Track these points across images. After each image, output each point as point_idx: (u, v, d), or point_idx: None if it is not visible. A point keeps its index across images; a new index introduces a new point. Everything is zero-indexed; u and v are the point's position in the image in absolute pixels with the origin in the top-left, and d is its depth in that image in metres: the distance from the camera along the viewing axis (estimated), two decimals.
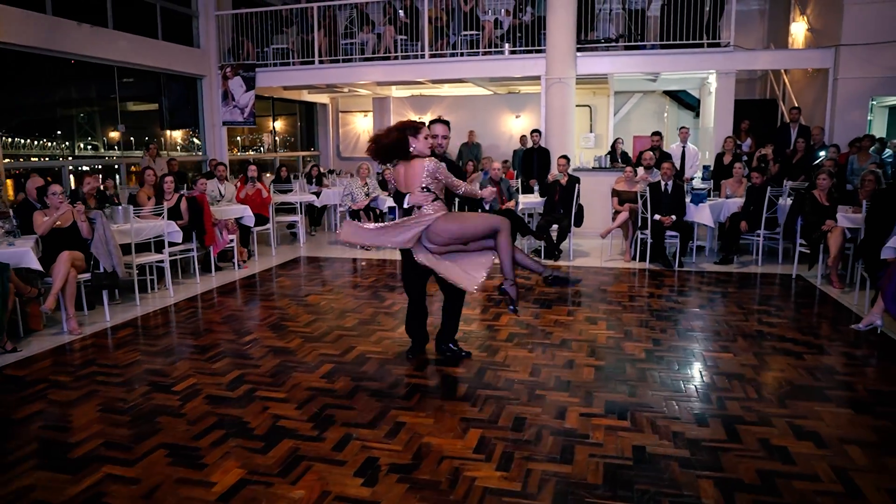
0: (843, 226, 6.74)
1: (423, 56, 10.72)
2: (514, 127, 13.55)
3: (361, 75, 11.13)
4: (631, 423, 3.53)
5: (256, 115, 11.88)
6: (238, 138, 14.21)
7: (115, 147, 10.59)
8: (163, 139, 11.35)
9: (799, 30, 11.18)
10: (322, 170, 12.88)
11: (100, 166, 10.29)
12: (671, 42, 10.00)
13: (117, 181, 10.12)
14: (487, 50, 10.62)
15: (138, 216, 6.67)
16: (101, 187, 7.10)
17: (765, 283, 7.11)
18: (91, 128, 10.31)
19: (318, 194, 10.43)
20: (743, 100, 12.79)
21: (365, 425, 3.52)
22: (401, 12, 10.89)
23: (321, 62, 11.16)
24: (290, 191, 9.83)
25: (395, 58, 10.92)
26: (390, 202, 9.03)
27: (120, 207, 6.29)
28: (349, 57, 11.25)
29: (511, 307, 4.10)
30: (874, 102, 12.17)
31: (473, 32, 10.66)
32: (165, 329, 5.49)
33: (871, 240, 5.78)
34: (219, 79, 11.44)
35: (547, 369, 4.37)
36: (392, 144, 3.99)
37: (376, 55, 11.04)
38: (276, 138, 14.13)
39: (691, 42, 9.91)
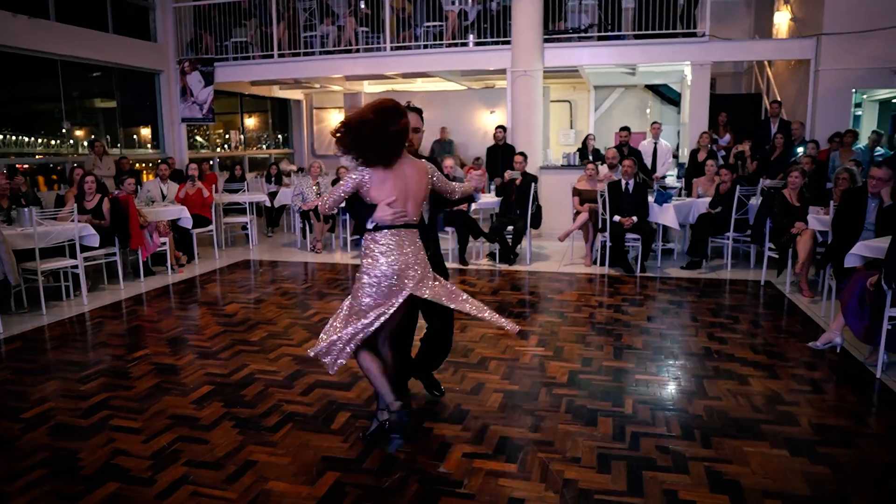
0: (815, 228, 6.21)
1: (384, 48, 10.22)
2: (489, 123, 13.02)
3: (323, 69, 10.65)
4: (519, 467, 3.04)
5: (221, 112, 11.43)
6: (197, 137, 13.78)
7: (68, 145, 10.16)
8: (121, 137, 10.90)
9: (783, 19, 10.59)
10: (293, 167, 12.43)
11: (53, 165, 9.86)
12: (646, 32, 9.47)
13: (54, 180, 9.71)
14: (452, 42, 10.11)
15: (54, 217, 6.25)
16: (17, 187, 6.66)
17: (729, 292, 6.58)
18: (46, 126, 9.87)
19: (275, 194, 9.97)
20: (728, 94, 12.24)
21: (210, 465, 3.05)
22: (362, 3, 10.39)
23: (281, 55, 10.68)
24: (240, 190, 9.36)
25: (357, 51, 10.44)
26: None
27: (26, 209, 5.84)
28: (310, 50, 10.77)
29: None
30: (865, 97, 11.61)
31: (437, 24, 10.15)
32: (57, 343, 5.04)
33: (837, 244, 5.25)
34: (177, 74, 10.98)
35: (449, 395, 3.88)
36: (398, 135, 2.90)
37: (337, 48, 10.56)
38: (243, 136, 13.66)
39: (665, 32, 9.37)
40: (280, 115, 14.76)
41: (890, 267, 3.92)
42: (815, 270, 6.51)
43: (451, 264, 7.79)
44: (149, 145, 11.48)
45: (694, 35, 9.41)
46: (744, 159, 8.92)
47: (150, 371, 4.32)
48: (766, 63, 10.80)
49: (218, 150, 13.29)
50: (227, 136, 13.69)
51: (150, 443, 3.28)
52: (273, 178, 10.44)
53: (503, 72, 10.07)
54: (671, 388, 3.99)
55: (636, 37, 9.61)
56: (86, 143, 10.11)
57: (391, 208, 2.91)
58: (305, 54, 10.70)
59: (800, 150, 8.42)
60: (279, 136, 14.87)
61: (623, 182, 7.49)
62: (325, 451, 3.19)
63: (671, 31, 9.37)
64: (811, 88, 9.09)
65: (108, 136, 10.55)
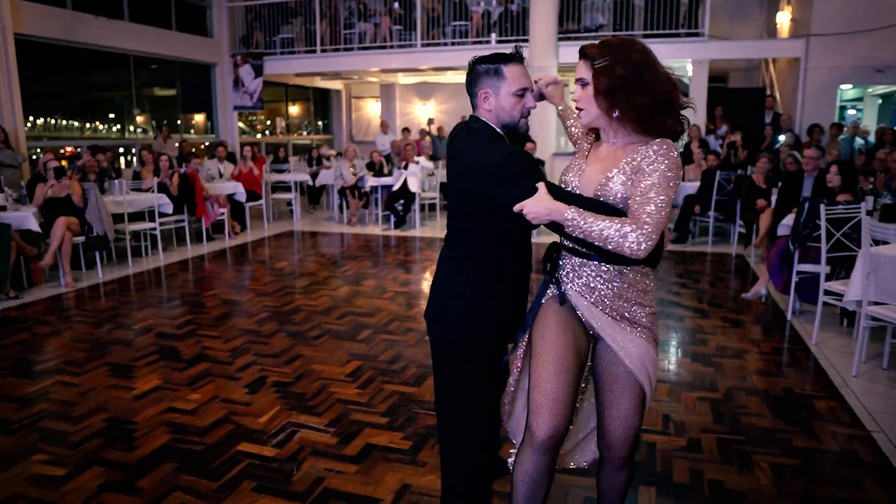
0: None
1: (415, 45, 11.40)
2: None
3: (361, 63, 11.90)
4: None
5: (268, 101, 12.77)
6: (255, 124, 15.18)
7: (138, 130, 11.63)
8: (180, 123, 12.35)
9: (785, 19, 11.43)
10: (332, 152, 13.73)
11: (122, 147, 11.35)
12: (653, 32, 10.44)
13: (127, 159, 11.18)
14: (476, 39, 11.23)
15: (139, 189, 7.63)
16: (99, 162, 8.04)
17: (704, 261, 7.62)
18: (117, 112, 11.36)
19: (316, 174, 11.27)
20: (738, 87, 13.07)
21: (271, 356, 4.32)
22: (395, 4, 11.58)
23: (323, 50, 11.96)
24: (286, 170, 10.68)
25: (391, 47, 11.65)
26: (372, 181, 9.81)
27: (116, 181, 7.21)
28: (349, 46, 12.02)
29: None
30: (869, 91, 12.34)
31: (463, 22, 11.28)
32: (145, 286, 6.40)
33: (777, 217, 6.26)
34: (230, 66, 12.36)
35: None
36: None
37: (373, 44, 11.78)
38: (287, 123, 15.03)
39: (670, 32, 10.33)
40: (321, 104, 16.09)
41: (794, 233, 4.97)
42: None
43: None
44: (204, 131, 12.90)
45: (696, 35, 10.36)
46: (736, 148, 9.86)
47: (220, 303, 5.63)
48: (770, 60, 11.64)
49: (260, 136, 14.69)
50: (268, 123, 15.07)
51: (228, 343, 4.57)
52: (314, 161, 11.73)
53: None
54: None
55: (644, 36, 10.58)
56: (152, 128, 11.58)
57: None
58: (345, 49, 11.95)
59: (781, 137, 9.34)
60: (320, 122, 16.21)
61: None
62: (354, 351, 4.42)
63: (675, 31, 10.33)
64: (801, 84, 9.97)
65: (166, 122, 12.00)
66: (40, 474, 2.87)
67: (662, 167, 1.79)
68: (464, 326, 2.14)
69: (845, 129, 9.72)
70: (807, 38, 9.73)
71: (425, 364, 4.17)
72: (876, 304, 3.92)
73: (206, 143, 12.48)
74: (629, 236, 1.73)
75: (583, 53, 1.91)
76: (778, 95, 10.89)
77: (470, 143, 2.08)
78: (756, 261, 7.41)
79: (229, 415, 3.44)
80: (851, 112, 12.93)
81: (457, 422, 2.21)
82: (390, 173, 10.05)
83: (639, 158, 1.84)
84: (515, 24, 11.00)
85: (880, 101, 12.49)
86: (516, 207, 1.85)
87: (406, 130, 12.73)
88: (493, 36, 11.11)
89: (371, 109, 16.11)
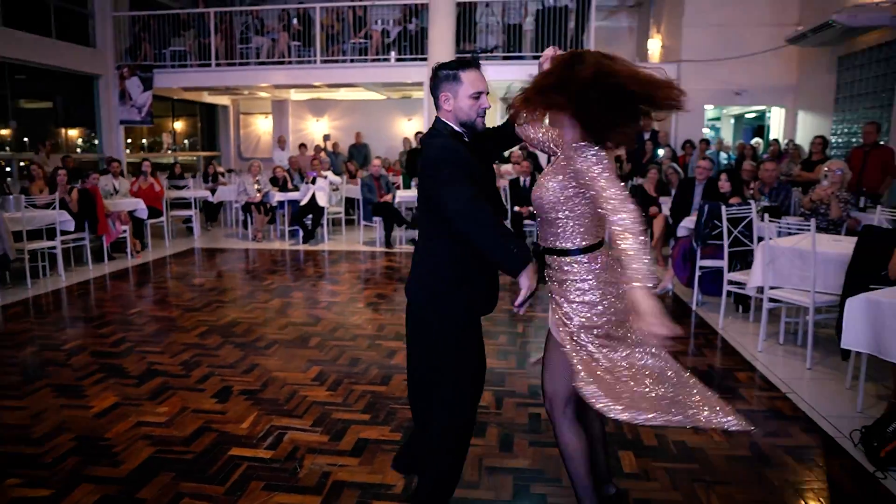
0: (666, 214, 8.00)
1: (315, 61, 11.45)
2: (407, 129, 14.44)
3: (257, 78, 11.74)
4: None
5: (155, 115, 12.22)
6: (143, 140, 14.43)
7: (6, 147, 10.72)
8: (59, 138, 11.51)
9: (655, 46, 12.67)
10: (222, 169, 13.35)
11: None
12: (541, 54, 11.17)
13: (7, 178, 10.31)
14: (375, 57, 11.47)
15: (31, 205, 7.10)
16: None
17: None
18: None
19: (213, 191, 10.94)
20: None
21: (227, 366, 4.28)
22: (294, 20, 11.58)
23: (218, 64, 11.68)
24: (185, 187, 10.31)
25: (290, 62, 11.60)
26: (280, 196, 9.72)
27: (11, 197, 6.70)
28: (245, 61, 11.83)
29: None
30: (724, 111, 13.91)
31: (363, 40, 11.49)
32: (53, 308, 6.01)
33: (676, 221, 7.00)
34: (116, 78, 11.74)
35: (391, 326, 5.25)
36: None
37: (271, 59, 11.69)
38: (175, 139, 14.44)
39: None
40: (208, 120, 15.58)
41: (696, 233, 5.64)
42: (669, 247, 8.32)
43: (377, 248, 9.15)
44: (87, 146, 12.12)
45: None
46: (620, 162, 10.77)
47: (150, 320, 5.44)
48: None
49: (149, 152, 14.01)
50: (154, 140, 14.40)
51: (175, 357, 4.45)
52: (210, 177, 11.39)
53: (419, 84, 11.52)
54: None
55: (534, 58, 11.32)
56: (28, 142, 10.72)
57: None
58: (241, 64, 11.75)
59: (660, 151, 10.36)
60: (206, 139, 15.67)
61: (521, 179, 9.10)
62: (310, 358, 4.48)
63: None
64: None
65: (47, 137, 11.17)
66: (22, 497, 2.74)
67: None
68: (445, 303, 2.35)
69: (712, 144, 10.94)
70: (678, 63, 10.87)
71: (385, 364, 4.32)
72: (773, 288, 4.58)
73: (101, 160, 11.71)
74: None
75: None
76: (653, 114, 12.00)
77: (427, 139, 2.36)
78: (652, 262, 8.16)
79: (207, 424, 3.41)
80: (705, 130, 14.50)
81: (447, 391, 2.36)
82: (296, 188, 10.00)
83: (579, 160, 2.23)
84: (414, 43, 11.36)
85: (733, 120, 14.13)
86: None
87: (303, 146, 12.67)
88: (393, 54, 11.41)
89: (261, 126, 15.83)
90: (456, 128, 2.34)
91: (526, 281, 2.14)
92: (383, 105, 14.66)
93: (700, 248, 5.70)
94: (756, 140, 11.61)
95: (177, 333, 5.05)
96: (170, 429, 3.35)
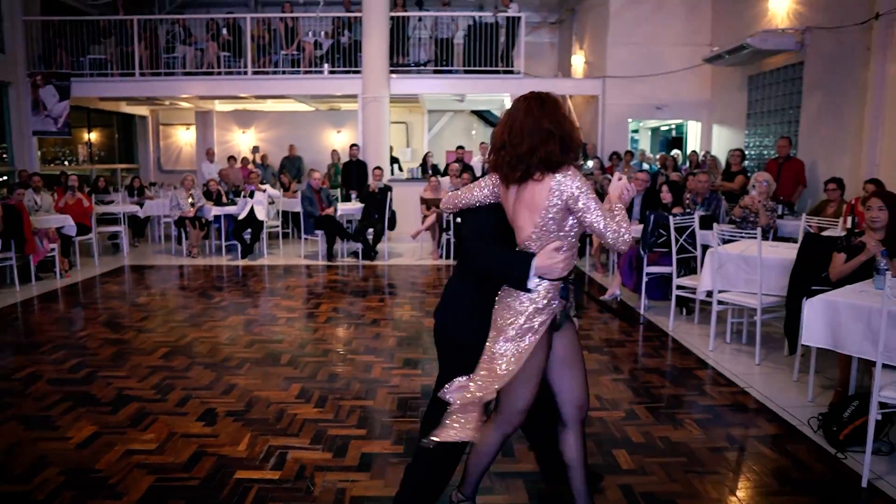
0: None
1: (246, 72, 11.23)
2: (336, 141, 14.38)
3: (185, 89, 11.37)
4: (421, 370, 4.54)
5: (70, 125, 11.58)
6: (55, 149, 13.59)
7: None
8: None
9: (578, 62, 13.24)
10: (143, 182, 12.80)
11: None
12: (473, 68, 11.47)
13: None
14: (308, 69, 11.39)
15: None
16: None
17: None
18: None
19: (141, 205, 10.50)
20: None
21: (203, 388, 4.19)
22: (224, 30, 11.32)
23: (142, 74, 11.23)
24: (112, 202, 9.85)
25: (219, 73, 11.32)
26: (216, 211, 9.46)
27: None
28: (171, 70, 11.43)
29: None
30: (641, 125, 14.69)
31: (295, 52, 11.38)
32: None
33: None
34: (27, 87, 11.05)
35: (358, 340, 5.28)
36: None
37: (199, 70, 11.36)
38: (92, 150, 13.72)
39: (490, 69, 11.45)
40: (125, 131, 14.89)
41: (643, 241, 6.00)
42: (607, 255, 8.75)
43: (319, 261, 9.09)
44: None
45: (511, 72, 11.60)
46: None
47: (103, 343, 5.20)
48: (567, 96, 13.35)
49: (65, 162, 13.23)
50: (64, 151, 13.63)
51: (144, 381, 4.30)
52: (136, 191, 10.92)
53: (352, 96, 11.53)
54: None
55: (466, 72, 11.59)
56: None
57: None
58: (167, 74, 11.34)
59: (589, 163, 10.86)
60: (123, 151, 14.96)
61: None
62: (286, 375, 4.45)
63: (494, 69, 11.48)
64: (600, 118, 11.66)
65: None
66: None
67: None
68: (470, 328, 2.44)
69: (635, 156, 11.56)
70: (603, 79, 11.42)
71: (366, 379, 4.37)
72: (721, 292, 4.96)
73: (13, 172, 10.95)
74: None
75: None
76: (578, 126, 12.55)
77: None
78: (591, 269, 8.57)
79: (202, 448, 3.35)
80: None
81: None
82: (232, 202, 9.77)
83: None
84: (347, 56, 11.36)
85: (650, 132, 14.95)
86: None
87: (232, 159, 12.35)
88: (326, 67, 11.36)
89: (182, 137, 15.29)
90: None
91: (542, 260, 2.21)
92: (312, 117, 14.52)
93: (646, 256, 6.06)
94: (675, 151, 12.34)
95: (137, 356, 4.87)
96: (163, 456, 3.26)
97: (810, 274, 4.25)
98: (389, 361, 4.76)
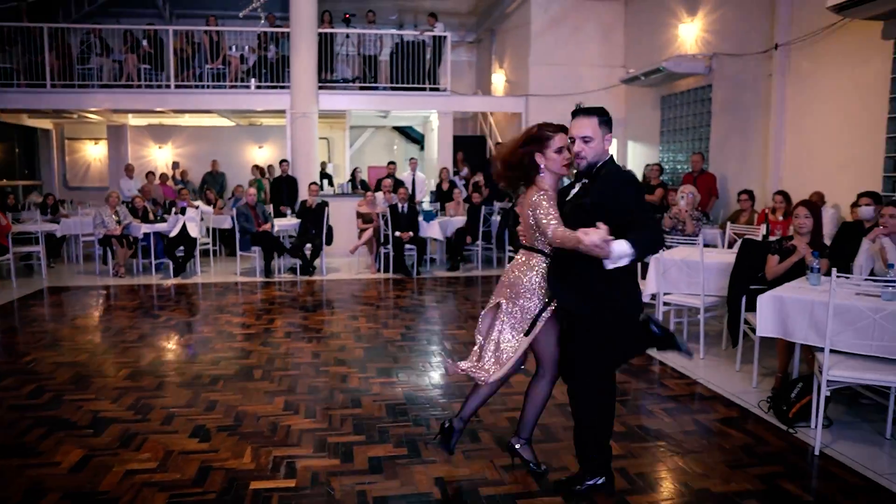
0: None
1: (168, 86, 10.92)
2: (258, 157, 14.17)
3: (102, 101, 10.90)
4: (397, 378, 4.69)
5: None
6: None
7: None
8: None
9: (499, 80, 13.78)
10: (40, 200, 12.12)
11: None
12: (400, 85, 11.71)
13: None
14: (234, 84, 11.23)
15: None
16: None
17: (484, 283, 8.93)
18: None
19: (56, 223, 9.95)
20: (460, 136, 15.18)
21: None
22: (144, 41, 10.96)
23: (53, 86, 10.67)
24: (31, 220, 9.29)
25: (139, 86, 10.94)
26: (146, 228, 9.15)
27: None
28: (85, 83, 10.93)
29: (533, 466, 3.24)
30: None
31: (220, 66, 11.19)
32: None
33: None
34: None
35: (325, 353, 5.35)
36: (516, 164, 3.01)
37: (117, 82, 10.93)
38: None
39: (416, 86, 11.73)
40: (26, 145, 13.99)
41: None
42: None
43: (257, 278, 8.98)
44: None
45: (437, 89, 11.94)
46: (479, 188, 11.60)
47: (57, 367, 4.98)
48: (488, 112, 13.86)
49: None
50: None
51: (117, 402, 4.20)
52: (49, 209, 10.34)
53: (279, 112, 11.47)
54: (471, 336, 5.96)
55: (392, 88, 11.81)
56: None
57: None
58: (80, 86, 10.83)
59: None
60: (24, 166, 14.05)
61: (399, 205, 9.48)
62: (266, 389, 4.47)
63: (420, 86, 11.77)
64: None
65: None
66: None
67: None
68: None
69: None
70: (526, 97, 11.98)
71: (346, 389, 4.47)
72: (666, 294, 5.43)
73: None
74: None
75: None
76: (500, 141, 13.05)
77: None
78: None
79: (207, 463, 3.35)
80: None
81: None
82: (160, 219, 9.48)
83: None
84: (274, 71, 11.31)
85: None
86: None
87: (151, 174, 11.94)
88: (253, 82, 11.25)
89: (90, 152, 14.57)
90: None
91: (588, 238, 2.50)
92: (233, 132, 14.25)
93: None
94: None
95: (100, 378, 4.71)
96: (168, 473, 3.24)
97: (748, 275, 4.77)
98: (364, 372, 4.87)
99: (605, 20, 11.83)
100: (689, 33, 9.51)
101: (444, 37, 11.79)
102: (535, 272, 3.00)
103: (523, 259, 3.07)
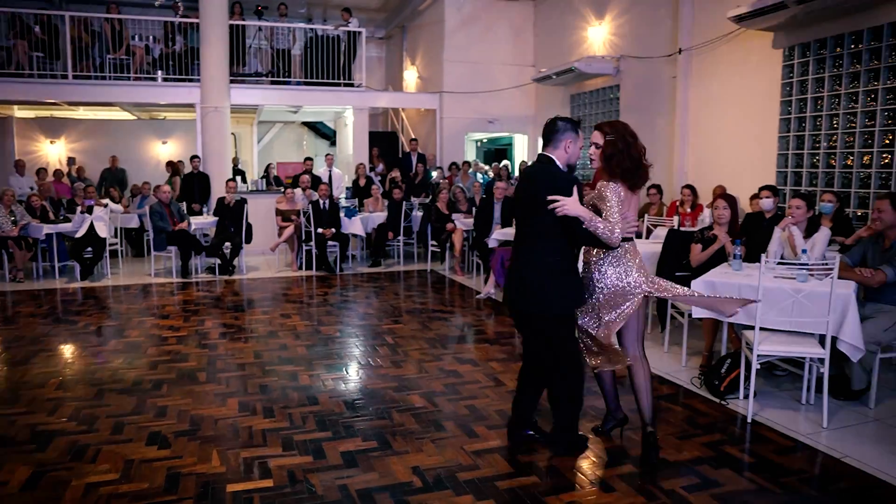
0: (462, 228, 9.05)
1: (65, 76, 10.21)
2: (162, 153, 13.52)
3: None
4: (346, 373, 4.72)
5: None
6: None
7: None
8: None
9: (411, 76, 13.87)
10: None
11: None
12: (313, 80, 11.55)
13: None
14: (139, 76, 10.66)
15: None
16: None
17: (408, 278, 9.03)
18: None
19: None
20: (373, 132, 15.14)
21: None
22: (36, 28, 10.17)
23: None
24: None
25: (31, 75, 10.15)
26: (49, 229, 8.53)
27: None
28: None
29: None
30: (465, 136, 15.72)
31: (123, 56, 10.58)
32: None
33: (480, 235, 8.05)
34: None
35: (267, 353, 5.28)
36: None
37: (5, 70, 10.08)
38: None
39: (331, 81, 11.61)
40: None
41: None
42: (464, 258, 9.40)
43: (174, 279, 8.64)
44: None
45: (352, 85, 11.88)
46: (397, 184, 11.66)
47: None
48: (400, 108, 13.92)
49: None
50: None
51: (55, 415, 3.97)
52: None
53: (184, 105, 11.01)
54: (408, 328, 6.06)
55: (305, 83, 11.62)
56: None
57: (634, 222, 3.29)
58: None
59: (434, 173, 11.51)
60: None
61: (321, 202, 9.39)
62: (216, 391, 4.36)
63: (334, 81, 11.66)
64: (438, 130, 12.37)
65: None
66: None
67: (612, 194, 3.12)
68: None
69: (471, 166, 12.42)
70: (440, 94, 12.15)
71: (298, 387, 4.45)
72: None
73: None
74: (609, 230, 3.01)
75: (598, 127, 3.24)
76: (412, 136, 13.18)
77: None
78: (450, 272, 9.16)
79: (175, 470, 3.25)
80: None
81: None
82: (62, 219, 8.88)
83: (602, 190, 3.17)
84: (182, 63, 10.84)
85: (475, 144, 16.06)
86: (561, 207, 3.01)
87: (43, 171, 11.11)
88: (160, 73, 10.73)
89: None
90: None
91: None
92: (133, 126, 13.50)
93: None
94: (505, 162, 13.46)
95: (28, 390, 4.42)
96: (135, 483, 3.13)
97: (673, 262, 5.16)
98: (312, 369, 4.86)
99: (515, 21, 12.21)
100: (598, 36, 10.03)
101: (359, 32, 11.73)
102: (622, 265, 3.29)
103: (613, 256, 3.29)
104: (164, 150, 13.52)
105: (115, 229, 9.53)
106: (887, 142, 6.03)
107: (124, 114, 12.68)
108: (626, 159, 3.13)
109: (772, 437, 3.62)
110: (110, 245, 9.08)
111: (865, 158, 6.24)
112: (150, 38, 11.09)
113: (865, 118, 6.19)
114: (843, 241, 5.44)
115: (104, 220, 8.72)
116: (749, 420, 3.82)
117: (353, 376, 4.71)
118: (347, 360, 5.13)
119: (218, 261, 9.01)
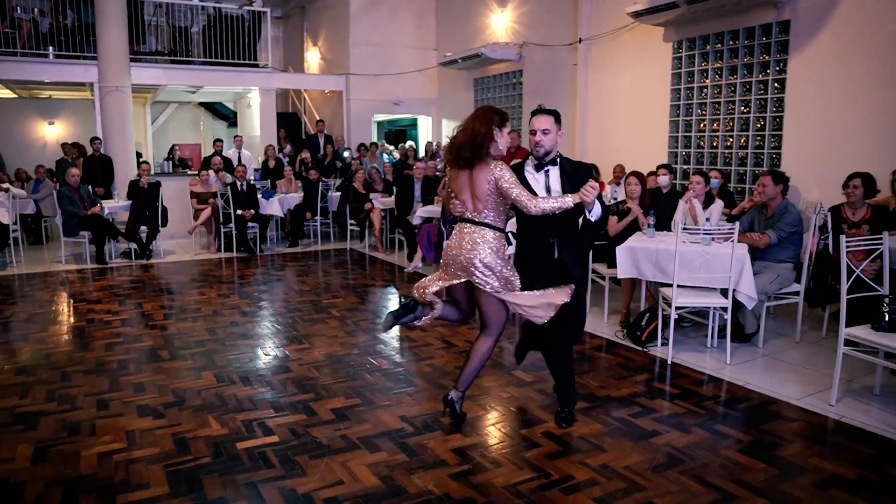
0: (380, 206, 9.40)
1: None
2: (49, 133, 12.73)
3: None
4: (310, 344, 5.04)
5: None
6: None
7: None
8: None
9: (313, 57, 13.88)
10: None
11: None
12: (215, 60, 11.36)
13: None
14: (25, 51, 10.04)
15: None
16: None
17: (331, 256, 9.30)
18: None
19: None
20: (282, 112, 14.98)
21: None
22: None
23: None
24: None
25: None
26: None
27: None
28: None
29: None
30: (373, 118, 15.94)
31: (7, 29, 9.91)
32: None
33: (402, 213, 8.47)
34: None
35: (221, 330, 5.46)
36: (481, 140, 3.29)
37: None
38: None
39: (234, 61, 11.47)
40: None
41: (444, 218, 7.18)
42: (384, 235, 9.77)
43: (88, 265, 8.40)
44: None
45: (256, 66, 11.79)
46: (307, 165, 11.77)
47: None
48: (302, 89, 13.91)
49: None
50: None
51: (24, 400, 4.02)
52: None
53: (83, 85, 10.50)
54: (339, 304, 6.41)
55: (208, 63, 11.41)
56: None
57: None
58: None
59: (346, 154, 11.74)
60: None
61: (238, 183, 9.39)
62: (186, 367, 4.55)
63: (238, 62, 11.52)
64: (345, 112, 12.55)
65: None
66: None
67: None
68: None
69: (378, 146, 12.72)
70: (346, 76, 12.32)
71: (267, 357, 4.72)
72: None
73: None
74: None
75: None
76: (318, 118, 13.27)
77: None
78: (371, 250, 9.51)
79: (178, 435, 3.47)
80: None
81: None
82: None
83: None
84: (74, 39, 10.30)
85: (377, 125, 16.32)
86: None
87: None
88: (52, 50, 10.15)
89: None
90: None
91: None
92: (13, 105, 12.58)
93: (447, 230, 7.25)
94: (410, 143, 13.86)
95: None
96: (145, 449, 3.33)
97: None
98: (271, 342, 5.13)
99: (417, 5, 12.58)
100: (500, 23, 10.63)
101: (264, 12, 11.64)
102: (489, 248, 3.31)
103: (472, 235, 3.35)
104: (52, 131, 12.74)
105: (17, 216, 9.03)
106: (759, 126, 7.07)
107: (5, 91, 11.81)
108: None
109: (688, 374, 4.39)
110: (12, 232, 8.63)
111: (742, 140, 7.27)
112: (35, 10, 10.43)
113: (742, 106, 7.21)
114: (728, 212, 6.38)
115: (6, 206, 8.28)
116: (669, 362, 4.57)
117: (314, 346, 5.03)
118: (303, 332, 5.42)
119: (133, 245, 8.82)
